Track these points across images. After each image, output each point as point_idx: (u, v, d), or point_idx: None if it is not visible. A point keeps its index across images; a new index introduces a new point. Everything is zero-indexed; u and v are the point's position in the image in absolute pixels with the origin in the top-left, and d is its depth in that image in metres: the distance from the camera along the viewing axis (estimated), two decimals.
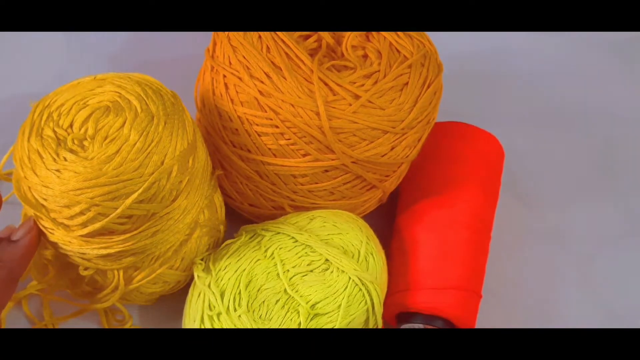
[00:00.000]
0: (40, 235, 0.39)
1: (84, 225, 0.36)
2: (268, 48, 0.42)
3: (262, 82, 0.41)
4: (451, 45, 0.51)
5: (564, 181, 0.56)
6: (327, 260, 0.42)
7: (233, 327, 0.39)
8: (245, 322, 0.39)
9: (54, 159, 0.36)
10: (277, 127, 0.42)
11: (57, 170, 0.35)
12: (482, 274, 0.47)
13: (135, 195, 0.35)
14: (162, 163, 0.36)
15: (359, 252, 0.42)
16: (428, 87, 0.44)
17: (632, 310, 0.51)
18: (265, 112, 0.42)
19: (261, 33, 0.42)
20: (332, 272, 0.41)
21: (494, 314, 0.49)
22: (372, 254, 0.43)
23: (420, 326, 0.44)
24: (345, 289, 0.41)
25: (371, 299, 0.42)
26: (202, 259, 0.43)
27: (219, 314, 0.40)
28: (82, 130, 0.37)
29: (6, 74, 0.57)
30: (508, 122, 0.57)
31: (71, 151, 0.36)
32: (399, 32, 0.45)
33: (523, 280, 0.51)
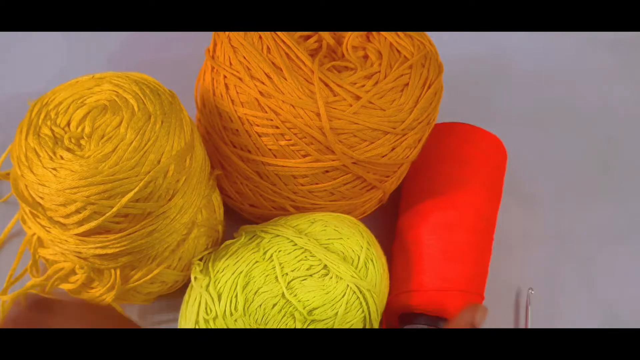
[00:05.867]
0: None
1: (79, 223, 0.36)
2: (268, 48, 0.42)
3: (262, 82, 0.41)
4: (452, 46, 0.51)
5: (565, 181, 0.56)
6: (326, 265, 0.41)
7: None
8: (241, 326, 0.39)
9: (51, 158, 0.36)
10: (277, 127, 0.42)
11: (54, 169, 0.35)
12: (485, 275, 0.47)
13: (131, 194, 0.35)
14: (159, 162, 0.36)
15: (359, 257, 0.42)
16: (429, 87, 0.44)
17: (632, 310, 0.51)
18: (266, 112, 0.42)
19: (262, 33, 0.42)
20: (331, 277, 0.41)
21: (495, 314, 0.49)
22: (372, 260, 0.42)
23: (424, 327, 0.44)
24: (343, 296, 0.41)
25: (368, 308, 0.41)
26: (200, 259, 0.43)
27: (214, 318, 0.40)
28: (79, 128, 0.37)
29: (6, 74, 0.56)
30: (508, 122, 0.57)
31: (68, 150, 0.36)
32: (399, 33, 0.45)
33: (523, 280, 0.51)
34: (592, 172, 0.57)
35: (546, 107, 0.60)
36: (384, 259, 0.44)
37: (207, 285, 0.41)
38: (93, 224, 0.36)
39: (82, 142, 0.37)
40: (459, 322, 0.41)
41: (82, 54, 0.58)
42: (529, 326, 0.48)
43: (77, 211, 0.36)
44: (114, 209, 0.35)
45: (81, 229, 0.36)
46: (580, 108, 0.60)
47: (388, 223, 0.50)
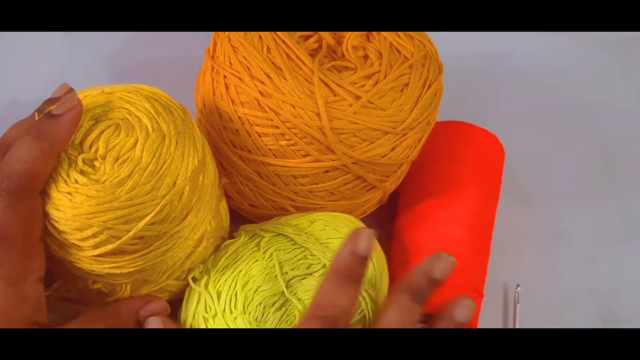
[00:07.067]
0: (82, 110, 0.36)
1: (95, 246, 0.36)
2: (269, 48, 0.42)
3: (262, 82, 0.41)
4: (451, 46, 0.51)
5: (564, 181, 0.56)
6: (325, 264, 0.41)
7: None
8: (240, 324, 0.39)
9: (65, 181, 0.35)
10: (277, 127, 0.42)
11: (69, 193, 0.35)
12: (483, 273, 0.47)
13: (148, 218, 0.35)
14: (174, 184, 0.36)
15: None
16: (429, 87, 0.44)
17: (632, 310, 0.51)
18: (266, 112, 0.42)
19: (262, 33, 0.42)
20: None
21: (495, 313, 0.49)
22: (371, 259, 0.42)
23: (424, 326, 0.44)
24: None
25: (367, 306, 0.41)
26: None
27: (214, 316, 0.40)
28: (93, 149, 0.36)
29: (5, 74, 0.56)
30: (508, 122, 0.57)
31: (82, 172, 0.35)
32: (399, 33, 0.45)
33: (523, 280, 0.51)
34: (592, 171, 0.57)
35: (546, 106, 0.60)
36: (383, 258, 0.44)
37: (207, 285, 0.41)
38: (109, 247, 0.36)
39: (96, 163, 0.36)
40: (416, 273, 0.40)
41: (82, 54, 0.57)
42: (517, 322, 0.49)
43: (94, 235, 0.35)
44: (131, 233, 0.35)
45: (97, 252, 0.36)
46: (580, 107, 0.60)
47: (388, 223, 0.51)
